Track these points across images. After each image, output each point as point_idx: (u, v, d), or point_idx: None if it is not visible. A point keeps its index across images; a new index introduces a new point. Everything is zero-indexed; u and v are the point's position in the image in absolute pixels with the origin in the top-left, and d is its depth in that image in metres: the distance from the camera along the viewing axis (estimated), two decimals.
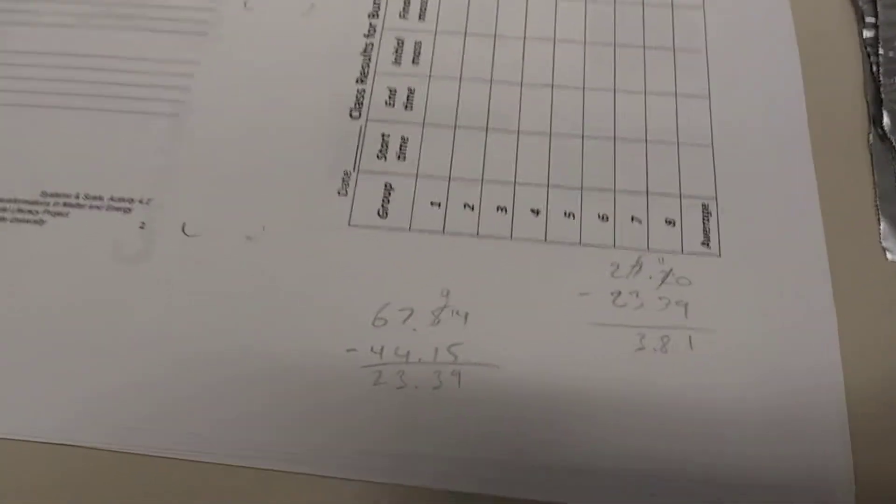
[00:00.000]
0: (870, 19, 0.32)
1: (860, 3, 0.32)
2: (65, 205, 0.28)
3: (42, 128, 0.30)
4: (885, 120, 0.29)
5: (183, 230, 0.28)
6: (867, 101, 0.30)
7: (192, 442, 0.24)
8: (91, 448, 0.24)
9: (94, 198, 0.28)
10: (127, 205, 0.28)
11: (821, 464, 0.24)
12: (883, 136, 0.29)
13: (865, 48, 0.31)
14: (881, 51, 0.31)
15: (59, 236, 0.28)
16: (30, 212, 0.28)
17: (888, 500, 0.24)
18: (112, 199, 0.28)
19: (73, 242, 0.28)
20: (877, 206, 0.28)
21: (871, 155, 0.29)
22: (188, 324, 0.26)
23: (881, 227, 0.28)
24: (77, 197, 0.28)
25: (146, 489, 0.24)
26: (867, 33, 0.32)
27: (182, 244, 0.27)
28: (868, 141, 0.29)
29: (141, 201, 0.28)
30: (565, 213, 0.28)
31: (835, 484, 0.23)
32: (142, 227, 0.28)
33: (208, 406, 0.25)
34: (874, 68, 0.31)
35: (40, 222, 0.28)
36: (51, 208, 0.28)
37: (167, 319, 0.26)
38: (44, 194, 0.29)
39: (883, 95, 0.30)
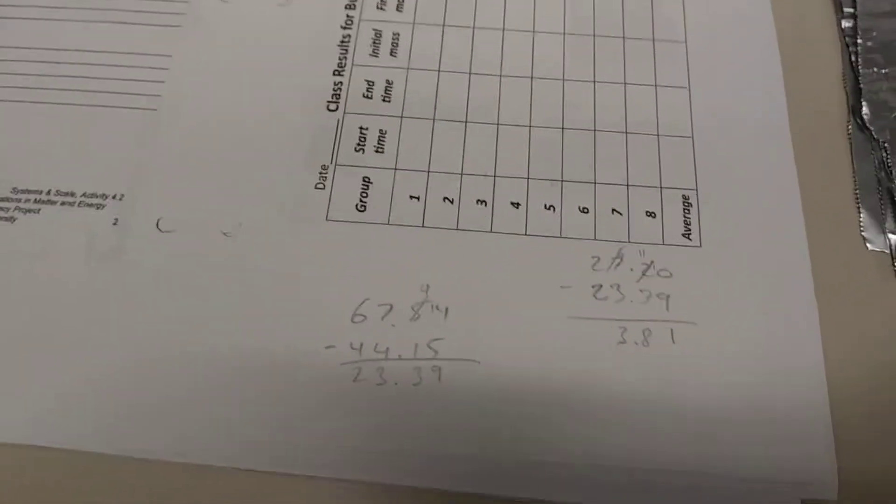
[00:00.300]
0: (848, 9, 0.32)
1: None
2: (36, 201, 0.28)
3: (12, 123, 0.29)
4: (865, 110, 0.29)
5: (157, 226, 0.27)
6: (846, 92, 0.30)
7: (168, 443, 0.24)
8: (63, 450, 0.24)
9: (67, 194, 0.28)
10: (100, 201, 0.28)
11: (803, 455, 0.24)
12: (862, 126, 0.29)
13: (844, 38, 0.31)
14: (860, 41, 0.31)
15: (30, 233, 0.27)
16: (0, 209, 0.28)
17: (870, 492, 0.23)
18: (85, 195, 0.28)
19: (45, 240, 0.27)
20: (857, 196, 0.28)
21: (851, 145, 0.29)
22: (163, 323, 0.25)
23: (861, 217, 0.28)
24: (49, 193, 0.28)
25: (120, 491, 0.24)
26: (846, 23, 0.32)
27: (157, 241, 0.27)
28: (847, 131, 0.29)
29: (114, 197, 0.28)
30: (545, 206, 0.28)
31: (817, 475, 0.23)
32: (115, 224, 0.27)
33: (183, 407, 0.24)
34: (853, 58, 0.31)
35: (11, 219, 0.27)
36: (22, 205, 0.28)
37: (142, 318, 0.26)
38: (14, 190, 0.28)
39: (862, 85, 0.30)
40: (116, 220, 0.27)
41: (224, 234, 0.27)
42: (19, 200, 0.28)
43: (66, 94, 0.30)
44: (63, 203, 0.28)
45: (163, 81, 0.30)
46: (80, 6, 0.32)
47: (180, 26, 0.31)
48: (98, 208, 0.28)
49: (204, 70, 0.30)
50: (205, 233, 0.27)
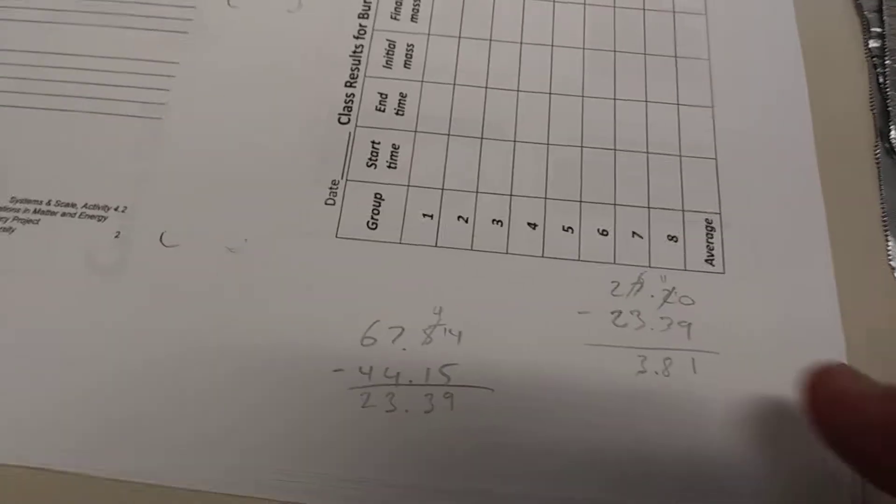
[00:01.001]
0: (876, 29, 0.31)
1: (866, 12, 0.31)
2: (35, 211, 0.27)
3: (12, 129, 0.28)
4: (893, 133, 0.29)
5: (161, 240, 0.26)
6: (873, 114, 0.29)
7: (163, 466, 0.23)
8: (55, 471, 0.23)
9: (67, 204, 0.27)
10: (102, 212, 0.27)
11: (828, 489, 0.23)
12: (890, 150, 0.28)
13: (871, 59, 0.30)
14: (888, 61, 0.30)
15: (28, 245, 0.26)
16: None
17: None
18: (86, 206, 0.27)
19: (43, 251, 0.26)
20: (884, 223, 0.27)
21: (879, 169, 0.28)
22: (164, 341, 0.25)
23: (889, 245, 0.27)
24: (49, 203, 0.27)
25: None
26: (873, 43, 0.31)
27: (160, 255, 0.26)
28: (875, 155, 0.28)
29: (117, 209, 0.27)
30: (563, 227, 0.27)
31: None
32: (117, 237, 0.26)
33: (184, 427, 0.23)
34: (881, 79, 0.30)
35: (9, 230, 0.27)
36: (20, 215, 0.27)
37: (142, 336, 0.25)
38: (13, 200, 0.27)
39: (890, 108, 0.29)
40: (118, 233, 0.26)
41: (229, 249, 0.26)
42: (18, 210, 0.27)
43: (68, 101, 0.29)
44: (63, 214, 0.27)
45: (168, 89, 0.29)
46: (83, 10, 0.31)
47: (187, 33, 0.30)
48: (100, 220, 0.27)
49: (210, 79, 0.29)
50: (209, 248, 0.26)
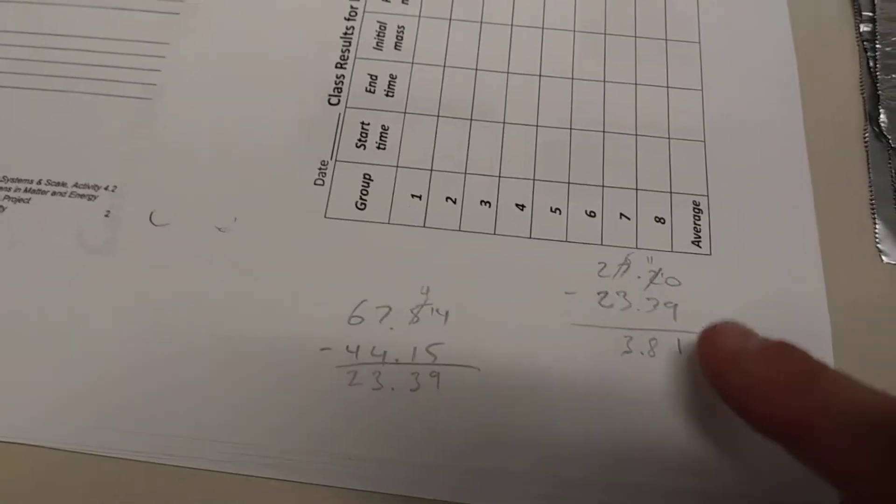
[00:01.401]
0: (867, 13, 0.31)
1: None
2: (26, 190, 0.27)
3: (2, 109, 0.28)
4: (882, 117, 0.29)
5: (150, 220, 0.26)
6: (863, 98, 0.29)
7: (158, 444, 0.23)
8: (49, 448, 0.23)
9: (58, 184, 0.27)
10: (92, 192, 0.27)
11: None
12: (879, 134, 0.28)
13: (862, 43, 0.30)
14: (878, 46, 0.30)
15: (19, 224, 0.27)
16: None
17: None
18: (76, 185, 0.27)
19: (34, 230, 0.26)
20: (872, 206, 0.27)
21: (867, 153, 0.28)
22: (153, 320, 0.25)
23: (877, 229, 0.27)
24: (39, 182, 0.27)
25: (110, 492, 0.23)
26: (864, 27, 0.31)
27: (149, 234, 0.26)
28: (864, 139, 0.28)
29: (107, 188, 0.27)
30: (551, 209, 0.27)
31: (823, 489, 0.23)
32: (107, 216, 0.27)
33: (174, 407, 0.24)
34: (871, 63, 0.30)
35: (0, 208, 0.27)
36: (11, 194, 0.27)
37: (131, 314, 0.25)
38: (4, 179, 0.27)
39: (880, 92, 0.29)
40: (108, 212, 0.27)
41: (218, 228, 0.26)
42: (9, 189, 0.27)
43: (59, 81, 0.29)
44: (54, 193, 0.27)
45: (159, 70, 0.29)
46: None
47: (178, 13, 0.30)
48: (90, 199, 0.27)
49: (201, 59, 0.29)
50: (199, 227, 0.26)
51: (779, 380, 0.20)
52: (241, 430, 0.23)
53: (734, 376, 0.21)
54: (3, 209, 0.27)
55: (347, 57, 0.30)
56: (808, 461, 0.19)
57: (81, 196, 0.27)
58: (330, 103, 0.29)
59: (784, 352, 0.21)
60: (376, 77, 0.29)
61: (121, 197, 0.27)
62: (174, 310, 0.25)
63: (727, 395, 0.22)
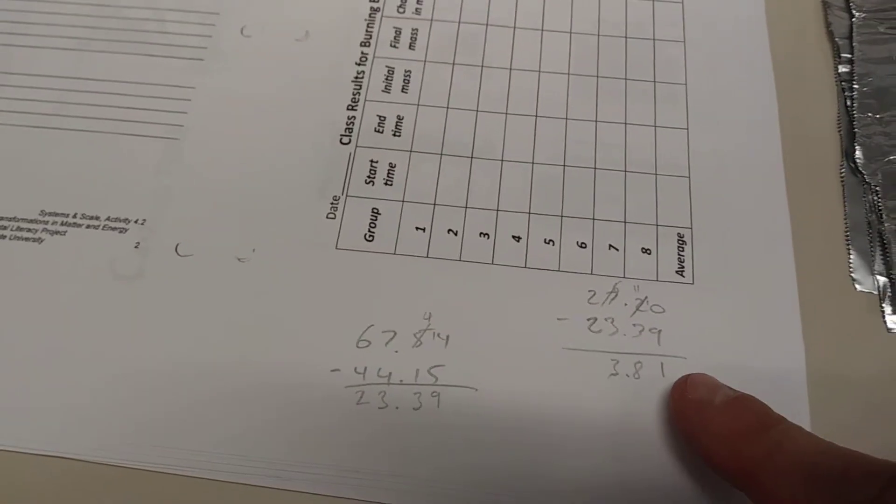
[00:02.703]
0: (846, 55, 0.33)
1: (837, 39, 0.33)
2: (62, 224, 0.29)
3: (42, 148, 0.31)
4: (858, 153, 0.30)
5: (176, 251, 0.29)
6: (840, 135, 0.31)
7: (178, 456, 0.25)
8: (80, 460, 0.25)
9: (92, 217, 0.29)
10: (123, 225, 0.29)
11: None
12: (855, 170, 0.30)
13: (841, 83, 0.32)
14: (856, 86, 0.32)
15: (56, 254, 0.29)
16: (28, 230, 0.29)
17: None
18: (109, 219, 0.29)
19: (70, 260, 0.28)
20: (847, 237, 0.29)
21: (843, 187, 0.30)
22: (177, 342, 0.27)
23: (851, 258, 0.29)
24: (75, 216, 0.29)
25: (132, 501, 0.25)
26: (843, 68, 0.33)
27: (175, 264, 0.28)
28: (840, 174, 0.30)
29: (136, 222, 0.29)
30: (545, 240, 0.29)
31: None
32: (136, 247, 0.29)
33: (195, 422, 0.26)
34: (848, 103, 0.32)
35: (38, 240, 0.29)
36: (49, 227, 0.29)
37: (158, 337, 0.27)
38: (42, 213, 0.29)
39: (856, 129, 0.31)
40: (138, 243, 0.29)
41: (238, 259, 0.28)
42: (46, 222, 0.29)
43: (93, 122, 0.31)
44: (88, 226, 0.29)
45: (185, 112, 0.31)
46: (109, 38, 0.33)
47: (203, 60, 0.33)
48: (121, 232, 0.29)
49: (224, 102, 0.32)
50: (220, 258, 0.28)
51: (735, 431, 0.22)
52: (256, 445, 0.25)
53: (698, 426, 0.24)
54: (42, 241, 0.29)
55: (358, 99, 0.32)
56: None
57: (113, 229, 0.29)
58: (341, 142, 0.31)
59: (745, 405, 0.23)
60: (384, 118, 0.31)
61: (149, 230, 0.29)
62: (196, 332, 0.27)
63: (691, 444, 0.24)
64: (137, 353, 0.27)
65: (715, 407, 0.23)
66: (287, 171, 0.30)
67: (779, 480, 0.20)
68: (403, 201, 0.30)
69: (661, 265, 0.28)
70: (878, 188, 0.30)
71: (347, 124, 0.31)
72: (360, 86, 0.32)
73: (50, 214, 0.29)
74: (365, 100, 0.32)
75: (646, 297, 0.28)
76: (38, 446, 0.25)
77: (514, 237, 0.29)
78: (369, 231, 0.29)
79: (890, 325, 0.27)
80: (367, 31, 0.34)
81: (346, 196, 0.30)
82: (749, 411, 0.23)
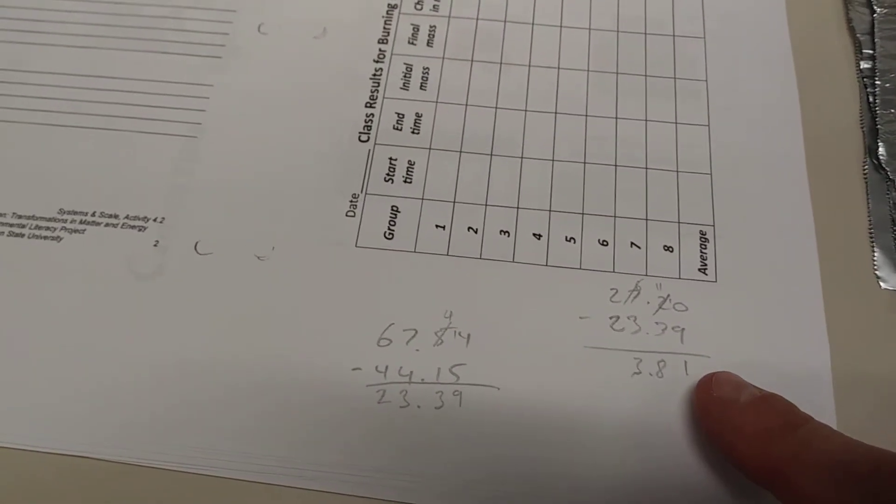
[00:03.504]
0: (867, 51, 0.33)
1: (858, 35, 0.33)
2: (81, 222, 0.29)
3: (60, 147, 0.31)
4: (881, 150, 0.30)
5: (195, 249, 0.29)
6: (863, 132, 0.31)
7: (201, 455, 0.25)
8: (100, 460, 0.25)
9: (110, 216, 0.29)
10: (142, 223, 0.29)
11: None
12: (878, 167, 0.30)
13: (862, 79, 0.32)
14: (878, 82, 0.32)
15: (75, 252, 0.29)
16: (47, 228, 0.29)
17: None
18: (127, 217, 0.29)
19: (88, 258, 0.28)
20: (871, 235, 0.29)
21: (867, 184, 0.30)
22: (197, 340, 0.27)
23: (875, 256, 0.28)
24: (93, 215, 0.29)
25: (151, 500, 0.25)
26: (864, 64, 0.32)
27: (194, 262, 0.28)
28: (863, 171, 0.30)
29: (155, 220, 0.29)
30: (566, 238, 0.29)
31: None
32: (155, 245, 0.29)
33: (216, 420, 0.26)
34: (871, 99, 0.31)
35: (57, 238, 0.29)
36: (68, 225, 0.29)
37: (177, 336, 0.27)
38: (61, 211, 0.29)
39: (879, 126, 0.31)
40: (157, 241, 0.29)
41: (258, 257, 0.28)
42: (65, 221, 0.29)
43: (111, 121, 0.31)
44: (107, 224, 0.29)
45: (204, 110, 0.31)
46: (126, 36, 0.33)
47: (221, 58, 0.33)
48: (140, 230, 0.29)
49: (242, 100, 0.32)
50: (240, 256, 0.28)
51: (761, 429, 0.22)
52: (277, 443, 0.25)
53: (724, 425, 0.23)
54: (61, 239, 0.29)
55: (376, 97, 0.32)
56: None
57: (132, 227, 0.29)
58: (360, 140, 0.31)
59: (772, 404, 0.23)
60: (403, 115, 0.31)
61: (168, 228, 0.29)
62: (215, 331, 0.27)
63: (716, 442, 0.24)
64: (156, 351, 0.27)
65: (740, 406, 0.23)
66: (306, 169, 0.30)
67: (808, 479, 0.20)
68: (423, 199, 0.29)
69: (684, 263, 0.28)
70: None
71: (366, 122, 0.31)
72: (378, 83, 0.32)
73: (69, 213, 0.29)
74: (383, 97, 0.32)
75: (668, 296, 0.27)
76: (57, 445, 0.25)
77: (534, 235, 0.29)
78: (389, 229, 0.29)
79: None
80: (384, 28, 0.33)
81: (366, 194, 0.30)
82: (775, 410, 0.23)
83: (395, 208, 0.29)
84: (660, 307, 0.27)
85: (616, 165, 0.30)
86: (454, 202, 0.29)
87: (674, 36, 0.33)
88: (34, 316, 0.27)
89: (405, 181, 0.30)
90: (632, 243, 0.28)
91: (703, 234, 0.29)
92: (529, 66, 0.32)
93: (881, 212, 0.29)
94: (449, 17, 0.34)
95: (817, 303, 0.27)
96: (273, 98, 0.32)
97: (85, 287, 0.28)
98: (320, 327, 0.27)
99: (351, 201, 0.29)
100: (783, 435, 0.21)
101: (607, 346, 0.27)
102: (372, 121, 0.31)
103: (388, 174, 0.30)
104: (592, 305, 0.27)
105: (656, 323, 0.27)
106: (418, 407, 0.26)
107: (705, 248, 0.28)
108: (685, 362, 0.26)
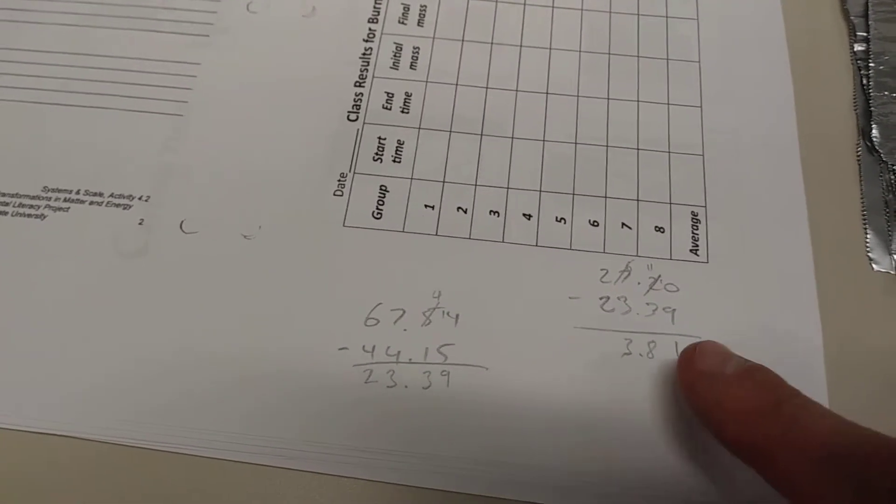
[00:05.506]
0: (861, 33, 0.32)
1: (852, 17, 0.33)
2: (65, 200, 0.29)
3: (45, 124, 0.30)
4: (874, 132, 0.30)
5: (181, 228, 0.28)
6: (856, 114, 0.31)
7: (185, 436, 0.25)
8: (85, 439, 0.25)
9: (95, 194, 0.29)
10: (126, 201, 0.29)
11: None
12: (871, 149, 0.30)
13: (856, 61, 0.32)
14: (871, 64, 0.32)
15: (59, 231, 0.28)
16: (31, 206, 0.29)
17: None
18: (112, 195, 0.29)
19: (73, 237, 0.28)
20: (864, 217, 0.29)
21: (860, 166, 0.29)
22: (183, 320, 0.26)
23: (868, 238, 0.28)
24: (78, 193, 0.29)
25: (138, 481, 0.25)
26: (858, 47, 0.32)
27: (180, 241, 0.28)
28: (856, 153, 0.30)
29: (140, 198, 0.29)
30: (556, 218, 0.28)
31: None
32: (140, 224, 0.28)
33: (200, 401, 0.25)
34: (864, 81, 0.31)
35: (41, 217, 0.29)
36: (52, 203, 0.29)
37: (163, 315, 0.27)
38: (45, 189, 0.29)
39: (872, 108, 0.31)
40: (142, 220, 0.28)
41: (244, 236, 0.28)
42: (49, 199, 0.29)
43: (97, 98, 0.31)
44: (91, 202, 0.29)
45: (190, 88, 0.31)
46: (113, 14, 0.33)
47: (208, 36, 0.32)
48: (125, 209, 0.29)
49: (230, 78, 0.31)
50: (226, 235, 0.28)
51: (750, 406, 0.21)
52: (264, 423, 0.25)
53: (708, 398, 0.22)
54: (45, 217, 0.29)
55: (366, 76, 0.31)
56: (772, 484, 0.20)
57: (117, 205, 0.29)
58: (349, 119, 0.30)
59: (757, 377, 0.22)
60: (393, 95, 0.31)
61: (154, 206, 0.29)
62: (201, 310, 0.27)
63: (703, 417, 0.23)
64: (141, 330, 0.26)
65: (726, 379, 0.22)
66: (294, 148, 0.30)
67: (795, 460, 0.19)
68: (412, 178, 0.29)
69: (675, 244, 0.28)
70: (895, 167, 0.29)
71: (355, 101, 0.31)
72: (368, 62, 0.32)
73: (53, 191, 0.29)
74: (373, 76, 0.31)
75: (659, 276, 0.27)
76: (41, 425, 0.25)
77: (524, 215, 0.28)
78: (377, 209, 0.28)
79: None
80: (374, 7, 0.33)
81: (354, 173, 0.29)
82: (761, 384, 0.22)
83: (383, 188, 0.29)
84: (651, 288, 0.27)
85: (608, 146, 0.30)
86: (444, 182, 0.29)
87: (667, 17, 0.33)
88: (17, 293, 0.27)
89: (394, 161, 0.29)
90: (623, 224, 0.28)
91: (694, 214, 0.28)
92: (521, 46, 0.32)
93: (874, 194, 0.29)
94: None
95: (809, 284, 0.27)
96: (261, 77, 0.31)
97: (69, 265, 0.28)
98: (307, 306, 0.27)
99: (339, 181, 0.29)
100: (770, 411, 0.21)
101: (597, 326, 0.26)
102: (361, 100, 0.31)
103: (376, 154, 0.30)
104: (582, 286, 0.27)
105: (647, 304, 0.27)
106: (406, 387, 0.25)
107: (697, 229, 0.28)
108: (676, 343, 0.26)
